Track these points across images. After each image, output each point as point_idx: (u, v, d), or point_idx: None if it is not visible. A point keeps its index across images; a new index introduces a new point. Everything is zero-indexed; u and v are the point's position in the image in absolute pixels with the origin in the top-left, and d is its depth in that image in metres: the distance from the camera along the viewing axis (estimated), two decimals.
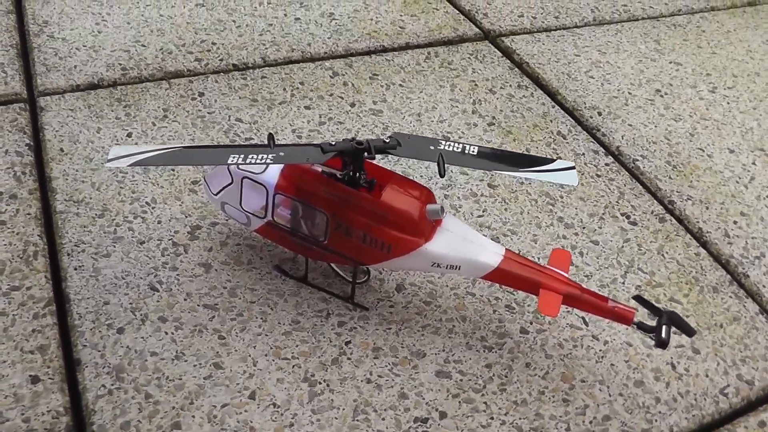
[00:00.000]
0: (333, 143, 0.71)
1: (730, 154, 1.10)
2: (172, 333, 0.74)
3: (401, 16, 1.32)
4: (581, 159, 1.05)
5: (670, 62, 1.30)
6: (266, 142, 0.71)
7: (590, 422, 0.72)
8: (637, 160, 1.06)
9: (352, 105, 1.08)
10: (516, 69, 1.23)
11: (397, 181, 0.74)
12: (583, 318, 0.82)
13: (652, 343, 0.70)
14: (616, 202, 0.98)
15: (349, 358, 0.74)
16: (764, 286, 0.89)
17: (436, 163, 0.72)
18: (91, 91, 1.04)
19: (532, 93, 1.17)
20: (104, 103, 1.02)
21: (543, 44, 1.30)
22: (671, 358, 0.79)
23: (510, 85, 1.18)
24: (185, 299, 0.78)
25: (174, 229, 0.85)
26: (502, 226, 0.92)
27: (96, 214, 0.86)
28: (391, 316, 0.79)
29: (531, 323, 0.80)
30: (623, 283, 0.87)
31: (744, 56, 1.35)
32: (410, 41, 1.25)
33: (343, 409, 0.70)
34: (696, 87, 1.24)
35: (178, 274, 0.80)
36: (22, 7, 1.20)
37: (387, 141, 0.72)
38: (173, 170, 0.93)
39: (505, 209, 0.95)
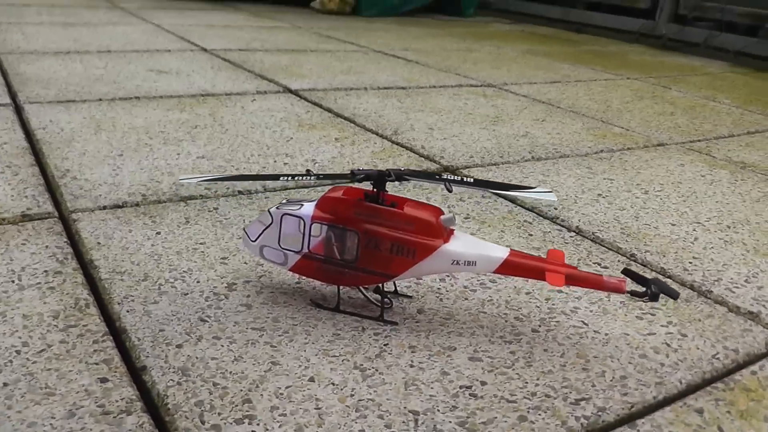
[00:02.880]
0: (361, 169, 0.85)
1: (672, 227, 1.27)
2: (227, 346, 0.81)
3: (372, 159, 1.52)
4: (548, 236, 1.20)
5: (604, 179, 1.52)
6: (305, 172, 0.85)
7: (610, 380, 0.80)
8: (596, 233, 1.22)
9: None
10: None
11: (412, 201, 0.88)
12: (582, 321, 0.92)
13: (645, 303, 0.81)
14: (587, 256, 1.12)
15: (390, 353, 0.82)
16: (727, 296, 1.02)
17: (443, 185, 0.87)
18: (117, 209, 1.16)
19: (496, 199, 1.35)
20: (131, 215, 1.14)
21: (494, 173, 1.50)
22: (664, 340, 0.89)
23: (477, 195, 1.36)
24: (234, 325, 0.85)
25: (213, 285, 0.94)
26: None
27: (139, 279, 0.94)
28: (419, 327, 0.88)
29: (540, 326, 0.90)
30: (609, 299, 0.98)
31: (665, 173, 1.58)
32: None
33: (395, 384, 0.76)
34: (631, 191, 1.45)
35: (223, 312, 0.88)
36: (42, 162, 1.35)
37: (403, 170, 0.87)
38: (203, 251, 1.03)
39: None
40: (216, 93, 2.00)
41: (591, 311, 0.95)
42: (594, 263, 1.10)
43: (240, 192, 1.28)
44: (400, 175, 0.86)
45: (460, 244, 0.85)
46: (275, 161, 1.46)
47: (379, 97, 2.15)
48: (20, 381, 0.73)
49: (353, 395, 0.74)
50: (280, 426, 0.68)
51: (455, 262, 0.85)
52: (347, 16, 4.24)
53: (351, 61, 2.71)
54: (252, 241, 0.91)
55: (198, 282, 0.95)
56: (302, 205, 0.88)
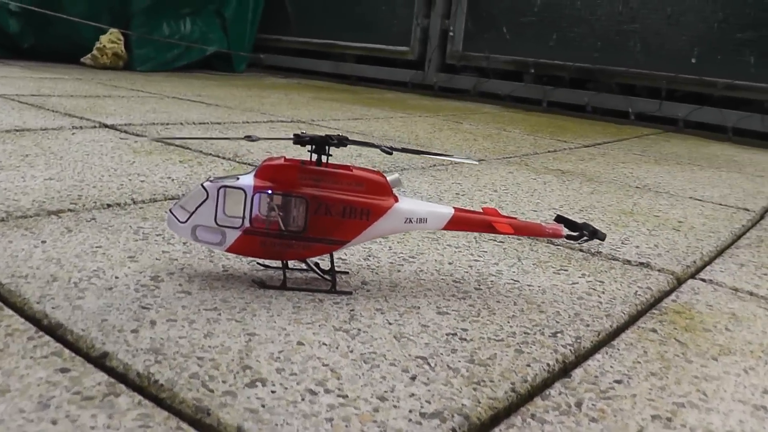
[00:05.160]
0: (305, 133, 0.82)
1: (535, 212, 1.36)
2: (189, 326, 0.71)
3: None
4: None
5: (453, 183, 1.59)
6: (246, 137, 0.80)
7: (568, 317, 0.83)
8: None
9: None
10: None
11: (355, 166, 0.85)
12: (512, 278, 0.95)
13: (579, 244, 0.86)
14: (479, 236, 1.16)
15: (362, 316, 0.78)
16: (615, 254, 1.11)
17: (380, 149, 0.86)
18: None
19: None
20: (4, 228, 0.97)
21: None
22: (589, 287, 0.94)
23: None
24: (183, 308, 0.76)
25: (135, 279, 0.83)
26: (412, 250, 1.04)
27: (48, 280, 0.80)
28: (372, 295, 0.84)
29: (480, 285, 0.91)
30: (521, 262, 1.02)
31: (501, 178, 1.70)
32: None
33: (386, 338, 0.72)
34: (482, 190, 1.53)
35: (163, 299, 0.78)
36: None
37: (341, 135, 0.85)
38: (104, 253, 0.91)
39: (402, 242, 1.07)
40: (31, 128, 1.79)
41: (514, 272, 0.98)
42: (490, 239, 1.14)
43: (109, 205, 1.15)
44: (342, 140, 0.84)
45: (410, 202, 0.85)
46: (130, 179, 1.33)
47: (200, 130, 2.06)
48: None
49: (352, 351, 0.69)
50: (297, 383, 0.62)
51: (408, 221, 0.84)
52: (122, 71, 4.04)
53: (151, 104, 2.58)
54: (181, 222, 0.82)
55: (117, 278, 0.83)
56: (238, 177, 0.82)
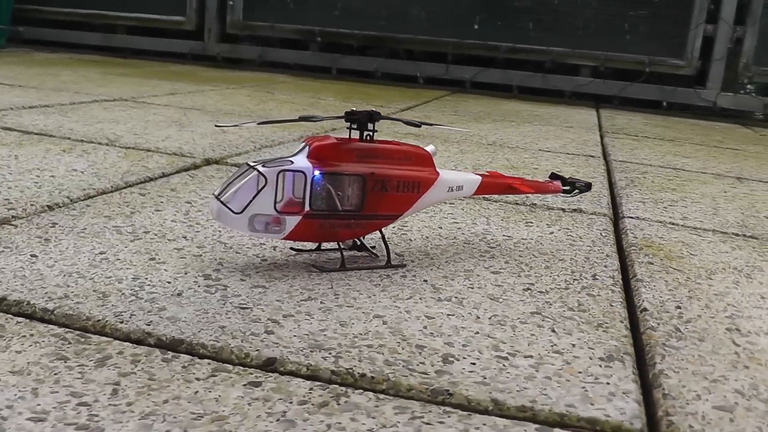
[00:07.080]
0: (355, 110, 0.80)
1: None
2: (312, 318, 0.67)
3: (132, 163, 1.31)
4: None
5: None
6: (299, 118, 0.78)
7: (584, 260, 0.91)
8: None
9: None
10: None
11: (394, 141, 0.85)
12: (505, 235, 1.01)
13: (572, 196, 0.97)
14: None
15: (440, 285, 0.79)
16: (563, 206, 1.22)
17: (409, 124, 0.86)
18: None
19: None
20: None
21: (268, 154, 1.44)
22: (565, 234, 1.04)
23: None
24: (279, 302, 0.70)
25: (191, 280, 0.75)
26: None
27: (98, 297, 0.69)
28: (421, 265, 0.85)
29: (491, 245, 0.96)
30: (490, 219, 1.09)
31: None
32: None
33: (485, 301, 0.75)
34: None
35: (247, 297, 0.71)
36: None
37: (376, 111, 0.83)
38: (116, 257, 0.79)
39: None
40: None
41: (496, 229, 1.04)
42: (441, 203, 1.18)
43: (50, 207, 0.99)
44: (380, 115, 0.83)
45: (448, 172, 0.87)
46: (39, 176, 1.15)
47: (40, 114, 1.80)
48: None
49: (478, 318, 0.70)
50: (480, 353, 0.62)
51: (450, 189, 0.86)
52: None
53: None
54: (236, 213, 0.75)
55: (168, 282, 0.74)
56: (291, 160, 0.77)
